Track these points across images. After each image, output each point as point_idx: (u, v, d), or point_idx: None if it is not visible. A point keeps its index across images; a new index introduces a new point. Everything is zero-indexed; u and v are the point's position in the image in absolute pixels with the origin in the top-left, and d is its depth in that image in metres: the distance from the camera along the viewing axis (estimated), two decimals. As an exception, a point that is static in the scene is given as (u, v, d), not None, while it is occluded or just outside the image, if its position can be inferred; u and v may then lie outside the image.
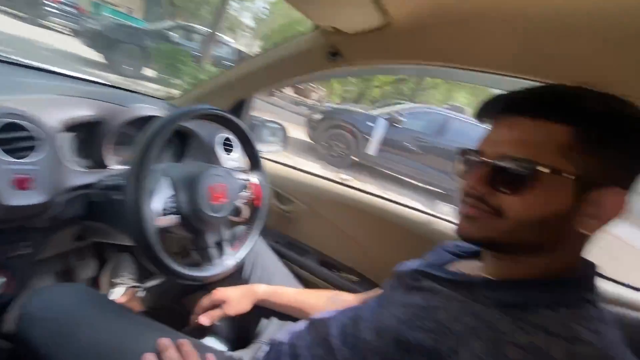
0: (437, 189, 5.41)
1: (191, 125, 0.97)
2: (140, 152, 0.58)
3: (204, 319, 0.74)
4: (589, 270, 0.45)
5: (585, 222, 0.41)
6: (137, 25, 7.93)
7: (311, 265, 1.04)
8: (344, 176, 4.92)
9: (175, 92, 1.17)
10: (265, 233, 1.14)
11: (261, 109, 7.68)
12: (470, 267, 0.54)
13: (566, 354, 0.34)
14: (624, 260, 4.65)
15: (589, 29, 0.59)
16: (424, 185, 5.49)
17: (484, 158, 0.45)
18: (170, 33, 7.60)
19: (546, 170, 0.40)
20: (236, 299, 0.77)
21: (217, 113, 0.71)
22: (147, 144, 0.58)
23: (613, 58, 0.61)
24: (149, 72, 7.23)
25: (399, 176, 5.51)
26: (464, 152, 0.50)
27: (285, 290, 0.82)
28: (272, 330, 0.79)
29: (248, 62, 1.08)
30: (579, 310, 0.40)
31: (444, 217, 0.97)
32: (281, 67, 0.97)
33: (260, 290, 0.80)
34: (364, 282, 1.02)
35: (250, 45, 15.33)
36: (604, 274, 0.81)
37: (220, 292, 0.77)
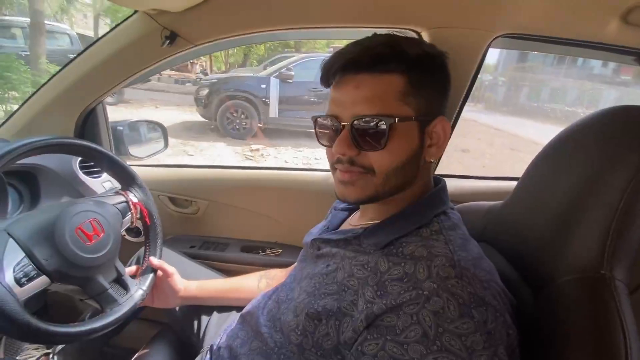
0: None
1: (31, 160, 0.80)
2: None
3: None
4: (439, 185, 0.53)
5: (429, 151, 0.49)
6: None
7: (234, 256, 1.03)
8: (254, 146, 4.78)
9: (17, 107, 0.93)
10: (177, 242, 1.07)
11: (140, 101, 6.77)
12: (358, 218, 0.59)
13: (427, 271, 0.41)
14: (498, 144, 5.74)
15: None
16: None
17: (342, 122, 0.47)
18: (-23, 34, 5.85)
19: (396, 120, 0.44)
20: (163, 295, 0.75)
21: (48, 143, 0.58)
22: None
23: None
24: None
25: (307, 129, 5.59)
26: (319, 120, 0.51)
27: (214, 281, 0.82)
28: (213, 334, 0.78)
29: (80, 63, 0.90)
30: (434, 226, 0.47)
31: None
32: (120, 62, 0.84)
33: (185, 286, 0.77)
34: (290, 250, 1.05)
35: (95, 28, 12.60)
36: (466, 173, 1.00)
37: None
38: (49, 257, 0.56)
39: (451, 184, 0.55)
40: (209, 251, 1.04)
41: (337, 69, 0.47)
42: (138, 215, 0.75)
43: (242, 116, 5.15)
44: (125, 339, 1.07)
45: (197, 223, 1.09)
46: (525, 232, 0.54)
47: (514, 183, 0.62)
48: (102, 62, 0.84)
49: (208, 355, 0.68)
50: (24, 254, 0.54)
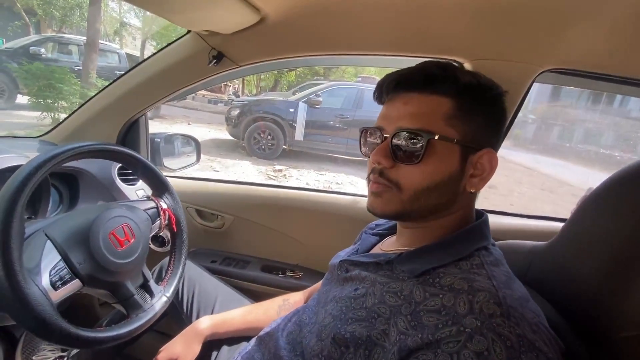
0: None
1: (75, 163, 0.84)
2: None
3: None
4: (482, 219, 0.51)
5: (471, 181, 0.47)
6: (-5, 46, 6.60)
7: (253, 275, 1.01)
8: (277, 167, 4.86)
9: (65, 116, 1.00)
10: (199, 255, 1.07)
11: (174, 117, 7.13)
12: (390, 244, 0.57)
13: (469, 306, 0.38)
14: (528, 182, 5.53)
15: (455, 6, 0.65)
16: (353, 158, 5.73)
17: (384, 134, 0.48)
18: (39, 49, 6.46)
19: (436, 137, 0.44)
20: (184, 351, 0.71)
21: (92, 148, 0.61)
22: (4, 212, 0.47)
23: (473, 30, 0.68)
24: (25, 99, 6.07)
25: (330, 154, 5.64)
26: (366, 131, 0.52)
27: (232, 316, 0.77)
28: (227, 357, 0.75)
29: (130, 78, 0.96)
30: (475, 260, 0.44)
31: (365, 194, 1.01)
32: (166, 78, 0.88)
33: (204, 326, 0.73)
34: (310, 275, 1.03)
35: (141, 49, 13.77)
36: (506, 210, 0.95)
37: (166, 353, 0.71)
38: (83, 262, 0.57)
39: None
40: (230, 267, 1.03)
41: (391, 86, 0.49)
42: (166, 222, 0.76)
43: (269, 137, 5.31)
44: (138, 349, 1.06)
45: (221, 238, 1.09)
46: (574, 277, 0.50)
47: (554, 224, 0.58)
48: (151, 76, 0.89)
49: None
50: (59, 257, 0.55)
